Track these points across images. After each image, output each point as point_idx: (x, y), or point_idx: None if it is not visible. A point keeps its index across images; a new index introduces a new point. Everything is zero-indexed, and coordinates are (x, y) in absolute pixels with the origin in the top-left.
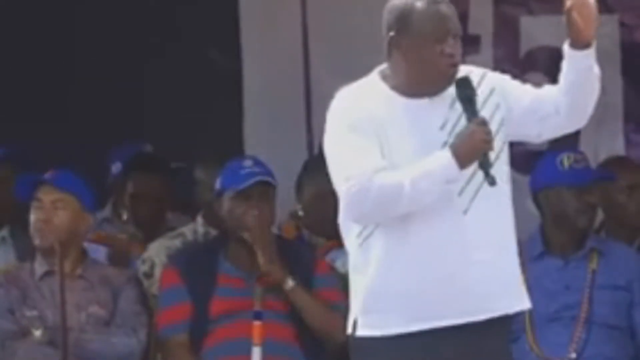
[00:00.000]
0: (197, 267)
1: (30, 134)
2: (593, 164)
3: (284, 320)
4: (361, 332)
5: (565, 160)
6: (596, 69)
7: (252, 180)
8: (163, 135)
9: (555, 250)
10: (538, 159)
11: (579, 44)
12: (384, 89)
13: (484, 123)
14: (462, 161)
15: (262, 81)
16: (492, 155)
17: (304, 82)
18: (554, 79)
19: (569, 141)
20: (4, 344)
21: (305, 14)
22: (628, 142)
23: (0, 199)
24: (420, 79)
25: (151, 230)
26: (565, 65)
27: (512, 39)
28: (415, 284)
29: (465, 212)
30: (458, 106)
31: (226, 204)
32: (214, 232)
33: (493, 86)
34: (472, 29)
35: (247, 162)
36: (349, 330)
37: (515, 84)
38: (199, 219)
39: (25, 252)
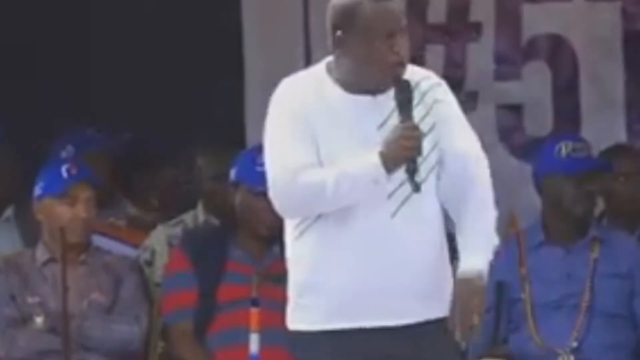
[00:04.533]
0: (206, 252)
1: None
2: (595, 152)
3: (280, 308)
4: (294, 325)
5: (564, 148)
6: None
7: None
8: (164, 123)
9: (555, 238)
10: (538, 146)
11: None
12: (328, 81)
13: (414, 128)
14: (389, 164)
15: (263, 68)
16: (428, 163)
17: (305, 67)
18: (555, 67)
19: (570, 129)
20: (5, 330)
21: (307, 6)
22: (630, 131)
23: (1, 179)
24: (365, 77)
25: (159, 212)
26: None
27: (514, 26)
28: (338, 283)
29: (393, 215)
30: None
31: (240, 197)
32: (214, 219)
33: (439, 98)
34: (474, 16)
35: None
36: (288, 323)
37: (454, 122)
38: (200, 207)
39: (30, 233)
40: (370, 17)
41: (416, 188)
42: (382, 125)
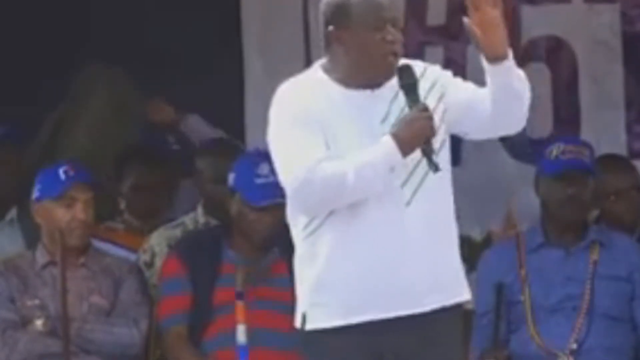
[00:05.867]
0: (200, 256)
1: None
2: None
3: (273, 307)
4: (310, 325)
5: (555, 150)
6: (517, 84)
7: (266, 202)
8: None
9: (554, 240)
10: (538, 148)
11: (489, 59)
12: (326, 81)
13: (425, 109)
14: (405, 148)
15: (263, 68)
16: (435, 144)
17: (305, 67)
18: (554, 69)
19: (570, 131)
20: (5, 333)
21: (307, 6)
22: (630, 132)
23: (4, 180)
24: (362, 70)
25: (151, 219)
26: (486, 76)
27: (513, 28)
28: (356, 277)
29: (407, 204)
30: (401, 99)
31: (236, 206)
32: (214, 222)
33: (435, 79)
34: None
35: (263, 169)
36: (298, 324)
37: (457, 80)
38: (200, 209)
39: (33, 234)
40: (361, 10)
41: (435, 168)
42: (384, 119)
